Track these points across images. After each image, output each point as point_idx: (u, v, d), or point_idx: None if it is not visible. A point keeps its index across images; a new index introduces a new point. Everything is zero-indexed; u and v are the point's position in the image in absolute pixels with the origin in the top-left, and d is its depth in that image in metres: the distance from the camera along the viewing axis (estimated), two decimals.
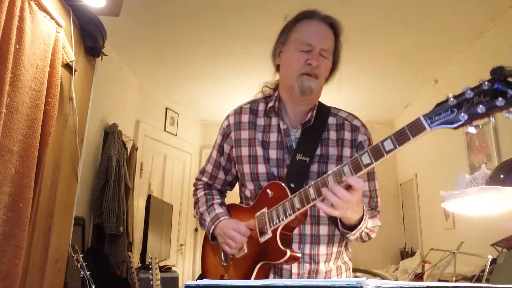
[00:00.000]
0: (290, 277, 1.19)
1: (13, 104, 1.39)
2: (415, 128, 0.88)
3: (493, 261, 1.94)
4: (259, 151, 1.25)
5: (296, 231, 1.19)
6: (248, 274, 1.15)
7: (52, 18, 1.64)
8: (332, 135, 1.25)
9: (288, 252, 1.09)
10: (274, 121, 1.28)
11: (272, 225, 1.13)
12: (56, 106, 1.65)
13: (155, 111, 4.45)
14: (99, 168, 3.08)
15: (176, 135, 4.71)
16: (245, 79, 3.85)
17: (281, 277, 1.20)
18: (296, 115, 1.27)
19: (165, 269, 3.36)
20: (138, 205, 3.79)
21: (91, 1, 1.91)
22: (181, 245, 4.68)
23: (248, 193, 1.29)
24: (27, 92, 1.47)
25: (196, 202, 1.40)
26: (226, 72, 3.79)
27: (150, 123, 4.29)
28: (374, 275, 3.40)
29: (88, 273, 1.92)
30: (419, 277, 2.99)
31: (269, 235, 1.13)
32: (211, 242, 1.31)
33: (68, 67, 1.83)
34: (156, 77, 4.02)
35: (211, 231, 1.27)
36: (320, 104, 1.30)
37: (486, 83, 0.81)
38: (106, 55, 2.28)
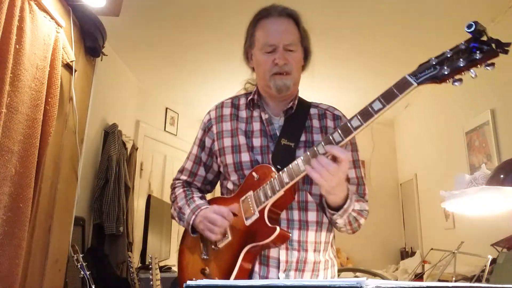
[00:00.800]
0: (278, 266, 1.13)
1: (13, 104, 1.39)
2: (402, 85, 0.91)
3: (493, 261, 1.94)
4: (242, 139, 1.24)
5: (283, 215, 1.15)
6: (233, 262, 1.09)
7: (52, 18, 1.64)
8: (315, 123, 1.26)
9: (278, 228, 1.05)
10: (255, 113, 1.28)
11: (259, 205, 1.10)
12: (56, 106, 1.65)
13: (155, 111, 4.45)
14: (99, 168, 3.07)
15: (176, 135, 4.71)
16: (245, 79, 3.85)
17: (267, 266, 1.14)
18: (278, 106, 1.27)
19: (165, 269, 3.36)
20: (138, 205, 3.79)
21: (91, 1, 1.90)
22: None
23: (230, 186, 1.26)
24: (27, 92, 1.47)
25: (173, 200, 1.33)
26: (227, 72, 3.79)
27: (150, 123, 4.29)
28: (374, 275, 3.40)
29: (88, 273, 1.91)
30: (419, 277, 2.99)
31: (256, 215, 1.10)
32: (190, 236, 1.25)
33: (68, 67, 1.83)
34: (156, 77, 4.02)
35: (191, 222, 1.21)
36: (301, 98, 1.31)
37: (463, 43, 0.86)
38: (106, 55, 2.28)
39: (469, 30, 0.81)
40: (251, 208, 1.11)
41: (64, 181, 1.86)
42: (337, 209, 1.09)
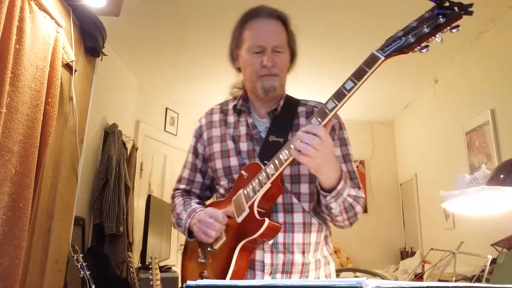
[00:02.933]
0: (263, 269, 1.12)
1: (13, 104, 1.39)
2: (370, 61, 0.93)
3: (493, 261, 1.94)
4: (230, 144, 1.25)
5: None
6: (229, 261, 1.09)
7: (52, 18, 1.64)
8: (303, 121, 1.25)
9: (267, 220, 1.05)
10: (242, 117, 1.28)
11: (248, 200, 1.10)
12: (56, 106, 1.65)
13: (155, 111, 4.45)
14: (99, 168, 3.07)
15: (176, 135, 4.71)
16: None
17: (253, 270, 1.13)
18: (264, 109, 1.28)
19: (165, 269, 3.36)
20: (138, 205, 3.79)
21: (91, 1, 1.90)
22: (181, 245, 4.67)
23: (222, 190, 1.26)
24: (27, 92, 1.47)
25: (173, 209, 1.34)
26: (226, 72, 3.78)
27: (150, 123, 4.29)
28: (374, 275, 3.40)
29: (88, 273, 1.91)
30: (419, 277, 2.99)
31: (246, 211, 1.10)
32: (190, 242, 1.26)
33: (68, 67, 1.83)
34: (156, 77, 4.02)
35: (187, 226, 1.22)
36: (289, 96, 1.31)
37: (427, 12, 0.88)
38: (106, 55, 2.28)
39: None
40: (242, 205, 1.12)
41: (64, 181, 1.86)
42: (331, 190, 1.07)
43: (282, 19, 1.23)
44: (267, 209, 1.12)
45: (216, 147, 1.27)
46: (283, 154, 1.03)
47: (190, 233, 1.23)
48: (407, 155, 4.64)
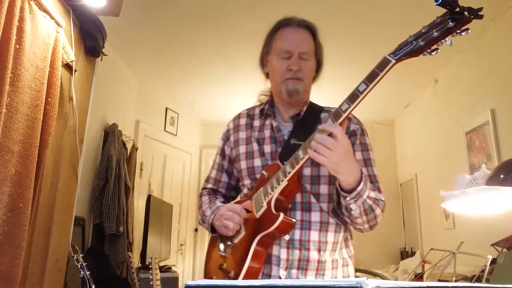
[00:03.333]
0: (279, 264, 1.18)
1: (13, 104, 1.39)
2: (381, 64, 0.98)
3: (493, 261, 1.94)
4: (255, 146, 1.33)
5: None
6: (246, 254, 1.14)
7: (52, 18, 1.64)
8: None
9: (281, 215, 1.09)
10: (267, 121, 1.36)
11: (266, 197, 1.15)
12: (56, 106, 1.65)
13: (155, 111, 4.45)
14: (99, 168, 3.07)
15: (176, 135, 4.71)
16: (245, 79, 3.86)
17: (270, 264, 1.19)
18: (287, 113, 1.34)
19: (165, 269, 3.36)
20: (138, 205, 3.79)
21: (91, 1, 1.90)
22: (181, 245, 4.68)
23: (245, 190, 1.34)
24: (27, 92, 1.47)
25: (200, 207, 1.44)
26: (226, 72, 3.79)
27: (150, 123, 4.29)
28: (374, 275, 3.41)
29: (88, 273, 1.91)
30: (419, 277, 2.99)
31: (264, 207, 1.15)
32: (214, 237, 1.34)
33: (68, 67, 1.83)
34: (156, 77, 4.02)
35: (210, 222, 1.29)
36: (313, 103, 1.37)
37: (438, 18, 0.90)
38: (106, 55, 2.28)
39: (437, 3, 0.85)
40: (260, 201, 1.18)
41: (64, 181, 1.86)
42: (350, 191, 1.09)
43: (311, 29, 1.32)
44: (285, 207, 1.17)
45: (242, 149, 1.36)
46: (300, 154, 1.08)
47: (213, 229, 1.30)
48: (407, 155, 4.64)
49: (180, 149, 4.80)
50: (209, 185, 1.47)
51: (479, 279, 2.00)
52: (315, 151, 1.02)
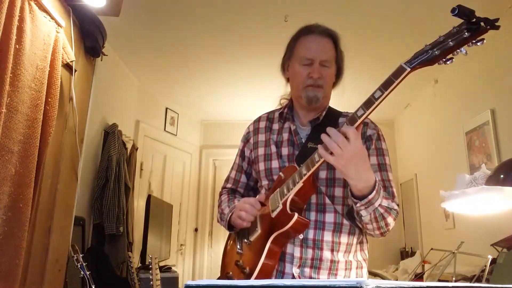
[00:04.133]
0: (292, 261, 1.21)
1: (13, 104, 1.39)
2: (397, 72, 1.00)
3: (493, 261, 1.94)
4: (273, 148, 1.37)
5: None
6: (261, 252, 1.17)
7: (52, 18, 1.64)
8: None
9: (296, 215, 1.12)
10: (286, 124, 1.40)
11: (282, 197, 1.18)
12: (56, 106, 1.65)
13: (155, 111, 4.45)
14: (99, 168, 3.08)
15: (176, 135, 4.71)
16: (245, 79, 3.86)
17: (283, 262, 1.22)
18: (306, 117, 1.37)
19: (165, 269, 3.36)
20: (138, 205, 3.79)
21: (91, 1, 1.90)
22: (181, 245, 4.68)
23: (263, 191, 1.37)
24: (27, 92, 1.47)
25: (219, 205, 1.48)
26: (226, 71, 3.79)
27: (150, 123, 4.30)
28: (374, 275, 3.41)
29: (88, 273, 1.91)
30: (419, 277, 2.99)
31: (280, 207, 1.18)
32: (231, 235, 1.39)
33: (68, 67, 1.83)
34: (156, 77, 4.02)
35: (227, 219, 1.34)
36: (332, 108, 1.40)
37: (455, 28, 0.92)
38: (106, 55, 2.28)
39: (453, 14, 0.87)
40: (277, 202, 1.20)
41: (64, 181, 1.86)
42: (361, 198, 1.09)
43: (333, 38, 1.35)
44: (300, 207, 1.20)
45: (261, 151, 1.40)
46: (316, 156, 1.10)
47: (230, 227, 1.35)
48: (407, 155, 4.64)
49: (180, 149, 4.80)
50: (229, 185, 1.52)
51: (479, 279, 2.00)
52: (325, 149, 1.04)
